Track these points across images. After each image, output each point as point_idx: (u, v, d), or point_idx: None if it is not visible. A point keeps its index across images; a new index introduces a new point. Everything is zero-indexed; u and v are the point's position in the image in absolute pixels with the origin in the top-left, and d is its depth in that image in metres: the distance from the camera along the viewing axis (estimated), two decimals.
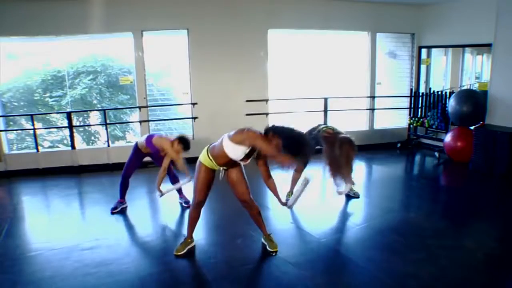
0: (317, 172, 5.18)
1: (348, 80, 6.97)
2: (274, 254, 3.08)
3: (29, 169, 5.51)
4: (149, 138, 3.92)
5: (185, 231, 3.23)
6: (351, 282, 2.72)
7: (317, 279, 2.74)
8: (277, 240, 3.21)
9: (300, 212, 4.02)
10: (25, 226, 3.84)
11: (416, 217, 3.90)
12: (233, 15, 5.94)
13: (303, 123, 5.74)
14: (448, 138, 5.89)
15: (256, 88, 6.19)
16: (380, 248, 3.22)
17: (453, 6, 6.25)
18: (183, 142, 3.91)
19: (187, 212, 3.87)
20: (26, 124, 6.52)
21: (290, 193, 4.26)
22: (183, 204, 4.18)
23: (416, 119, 6.78)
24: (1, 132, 5.50)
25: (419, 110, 6.86)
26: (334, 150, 3.67)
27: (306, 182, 2.80)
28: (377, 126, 7.10)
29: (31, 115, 5.65)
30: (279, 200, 3.09)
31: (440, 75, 7.44)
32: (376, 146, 6.95)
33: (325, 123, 6.23)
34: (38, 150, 5.58)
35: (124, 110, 7.29)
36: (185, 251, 3.09)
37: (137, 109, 5.92)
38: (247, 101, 6.10)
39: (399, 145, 6.97)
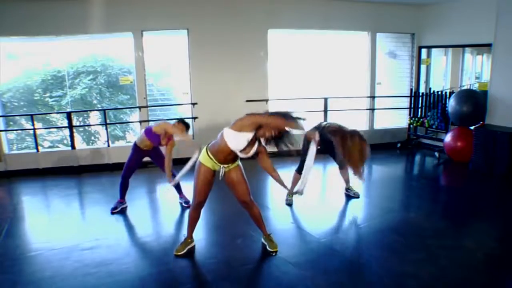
0: (317, 172, 5.18)
1: (348, 80, 6.97)
2: (274, 254, 3.08)
3: (29, 169, 5.51)
4: (148, 130, 3.90)
5: (185, 231, 3.23)
6: (351, 282, 2.72)
7: (317, 279, 2.74)
8: (277, 240, 3.21)
9: (300, 212, 4.03)
10: (25, 226, 3.84)
11: (416, 217, 3.90)
12: (233, 15, 5.94)
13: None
14: (448, 138, 5.89)
15: (256, 88, 6.19)
16: (380, 248, 3.22)
17: (453, 6, 6.25)
18: (183, 122, 3.96)
19: (187, 212, 3.87)
20: (26, 124, 6.52)
21: (290, 193, 4.25)
22: (183, 204, 4.18)
23: (416, 119, 6.79)
24: (1, 132, 5.50)
25: (419, 110, 6.87)
26: (346, 142, 3.67)
27: (310, 166, 2.91)
28: (377, 126, 7.10)
29: (31, 115, 5.65)
30: (286, 188, 3.12)
31: (440, 75, 7.44)
32: (376, 146, 6.92)
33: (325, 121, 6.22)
34: (38, 150, 5.58)
35: (124, 110, 7.29)
36: (185, 251, 3.09)
37: (137, 109, 5.92)
38: (247, 101, 6.10)
39: (399, 145, 6.97)
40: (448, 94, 6.34)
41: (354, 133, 3.67)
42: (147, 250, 3.29)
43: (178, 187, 4.24)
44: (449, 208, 4.27)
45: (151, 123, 5.51)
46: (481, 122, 5.69)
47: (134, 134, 7.21)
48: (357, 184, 4.52)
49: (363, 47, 6.81)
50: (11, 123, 6.46)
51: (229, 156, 2.89)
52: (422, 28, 6.85)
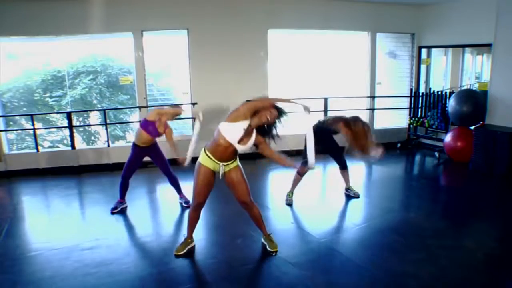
0: (317, 172, 5.18)
1: (348, 80, 6.97)
2: (274, 254, 3.08)
3: (29, 169, 5.51)
4: (143, 122, 3.91)
5: (185, 231, 3.23)
6: (351, 282, 2.72)
7: (317, 279, 2.75)
8: (277, 240, 3.21)
9: (300, 212, 4.03)
10: (25, 226, 3.85)
11: (416, 217, 3.90)
12: (233, 15, 5.94)
13: (303, 123, 5.75)
14: (448, 138, 5.89)
15: (256, 88, 6.18)
16: (380, 248, 3.22)
17: (453, 6, 6.25)
18: (177, 106, 4.01)
19: (187, 212, 3.87)
20: (26, 124, 6.52)
21: (291, 193, 4.26)
22: (183, 204, 4.18)
23: (416, 119, 6.78)
24: (1, 132, 5.50)
25: (419, 110, 6.86)
26: (350, 127, 3.72)
27: (307, 108, 2.99)
28: (377, 126, 7.10)
29: (31, 115, 5.65)
30: (296, 167, 3.14)
31: (440, 75, 7.44)
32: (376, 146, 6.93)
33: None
34: (38, 150, 5.58)
35: (124, 110, 7.30)
36: (185, 251, 3.09)
37: (137, 109, 5.92)
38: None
39: (399, 145, 6.97)
40: (448, 94, 6.34)
41: (356, 119, 3.75)
42: (147, 250, 3.29)
43: (178, 187, 4.24)
44: (449, 208, 4.27)
45: None
46: (481, 122, 5.69)
47: (134, 134, 7.21)
48: (357, 184, 4.53)
49: (363, 47, 6.81)
50: (11, 123, 6.45)
51: (227, 152, 2.87)
52: (422, 28, 6.85)
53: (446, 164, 6.02)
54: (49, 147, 7.02)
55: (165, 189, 4.56)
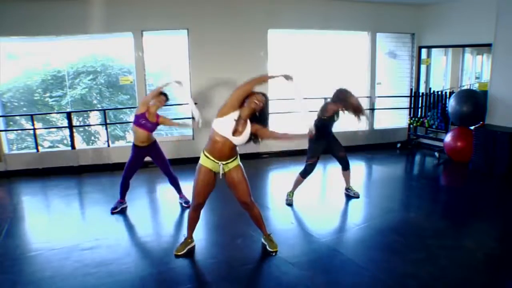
0: (317, 172, 5.17)
1: (348, 80, 6.96)
2: (274, 254, 3.08)
3: (29, 169, 5.51)
4: (134, 118, 3.92)
5: (185, 231, 3.23)
6: (351, 282, 2.72)
7: (317, 279, 2.75)
8: (277, 240, 3.21)
9: (301, 212, 4.03)
10: (25, 226, 3.84)
11: (416, 217, 3.90)
12: (233, 15, 5.94)
13: (303, 123, 5.75)
14: (448, 138, 5.89)
15: (256, 88, 6.18)
16: (380, 248, 3.22)
17: (453, 6, 6.25)
18: (163, 94, 3.98)
19: (187, 212, 3.87)
20: (26, 124, 6.53)
21: (291, 193, 4.26)
22: (183, 204, 4.18)
23: (416, 119, 6.79)
24: (1, 132, 5.50)
25: (419, 110, 6.86)
26: (337, 101, 3.85)
27: (289, 77, 3.01)
28: (377, 126, 7.10)
29: (31, 115, 5.64)
30: (302, 135, 3.10)
31: (440, 75, 7.44)
32: (376, 146, 6.95)
33: None
34: (38, 150, 5.58)
35: (124, 110, 7.29)
36: (185, 251, 3.09)
37: None
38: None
39: (399, 145, 6.97)
40: (448, 94, 6.34)
41: (337, 93, 3.88)
42: (147, 250, 3.29)
43: (178, 187, 4.24)
44: (449, 208, 4.27)
45: None
46: (481, 122, 5.69)
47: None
48: (357, 184, 4.53)
49: (363, 47, 6.81)
50: (11, 123, 6.46)
51: (225, 148, 2.86)
52: (422, 28, 6.85)
53: (446, 164, 6.02)
54: (49, 147, 7.02)
55: (165, 189, 4.57)
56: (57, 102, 6.86)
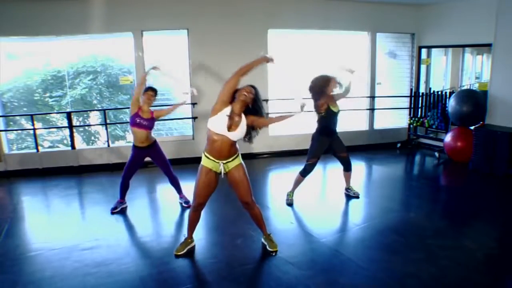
0: (317, 172, 5.17)
1: (348, 80, 6.95)
2: (274, 254, 3.08)
3: (29, 169, 5.51)
4: (130, 120, 3.93)
5: (185, 231, 3.23)
6: (351, 282, 2.72)
7: (317, 279, 2.75)
8: (277, 240, 3.21)
9: (301, 212, 4.03)
10: (25, 226, 3.84)
11: (416, 217, 3.90)
12: (233, 15, 5.94)
13: (303, 123, 5.76)
14: (448, 138, 5.89)
15: (256, 86, 6.18)
16: (380, 248, 3.22)
17: (453, 6, 6.25)
18: (151, 89, 3.98)
19: (187, 212, 3.88)
20: (26, 124, 6.52)
21: (291, 193, 4.26)
22: (183, 204, 4.18)
23: (416, 119, 6.79)
24: (1, 132, 5.50)
25: (419, 110, 6.86)
26: (323, 89, 3.93)
27: (270, 59, 3.05)
28: (377, 126, 7.10)
29: (31, 115, 5.65)
30: (291, 114, 3.10)
31: (440, 75, 7.44)
32: (376, 146, 6.95)
33: None
34: (38, 150, 5.58)
35: (124, 110, 7.28)
36: (185, 251, 3.09)
37: None
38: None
39: (399, 145, 6.97)
40: (448, 94, 6.34)
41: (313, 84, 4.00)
42: (147, 250, 3.29)
43: (178, 187, 4.24)
44: (449, 208, 4.27)
45: None
46: (481, 122, 5.69)
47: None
48: (357, 184, 4.52)
49: (363, 47, 6.81)
50: (11, 123, 6.46)
51: (223, 146, 2.85)
52: (422, 28, 6.85)
53: (446, 164, 6.02)
54: (49, 147, 7.02)
55: (165, 189, 4.57)
56: (57, 102, 6.86)
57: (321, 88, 3.93)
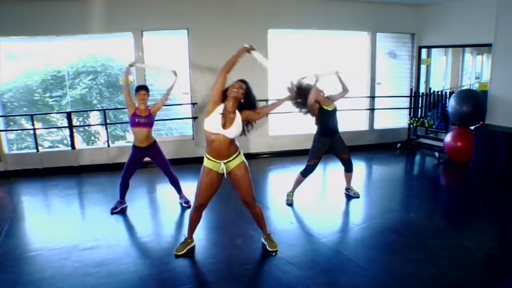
0: (317, 172, 5.18)
1: (348, 80, 6.95)
2: (274, 254, 3.08)
3: (29, 169, 5.51)
4: (130, 121, 3.94)
5: (185, 231, 3.23)
6: (351, 282, 2.72)
7: (318, 279, 2.75)
8: (277, 240, 3.21)
9: (301, 212, 4.03)
10: (25, 226, 3.84)
11: (416, 217, 3.90)
12: (233, 15, 5.94)
13: (303, 123, 5.75)
14: (448, 138, 5.89)
15: (256, 88, 6.10)
16: (380, 248, 3.22)
17: (453, 6, 6.25)
18: (140, 88, 4.00)
19: (187, 212, 3.88)
20: (26, 124, 6.53)
21: (291, 193, 4.26)
22: (183, 204, 4.18)
23: (416, 119, 6.79)
24: (1, 132, 5.49)
25: (419, 110, 6.86)
26: (306, 94, 3.87)
27: (251, 49, 3.08)
28: (377, 126, 7.10)
29: (31, 115, 5.64)
30: (289, 97, 3.17)
31: (440, 75, 7.44)
32: (376, 146, 6.95)
33: None
34: (38, 150, 5.58)
35: (124, 110, 7.26)
36: (185, 251, 3.09)
37: None
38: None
39: (399, 145, 6.97)
40: (448, 94, 6.34)
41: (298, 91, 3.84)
42: (147, 250, 3.29)
43: (178, 187, 4.24)
44: (449, 208, 4.27)
45: None
46: (481, 122, 5.69)
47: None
48: (357, 184, 4.52)
49: (363, 47, 6.81)
50: (11, 123, 6.46)
51: (222, 146, 2.84)
52: (422, 28, 6.85)
53: (446, 164, 6.02)
54: (49, 147, 7.02)
55: (165, 189, 4.57)
56: (57, 102, 6.86)
57: (305, 92, 3.88)
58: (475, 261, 2.98)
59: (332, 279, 2.75)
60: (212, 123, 2.81)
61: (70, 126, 5.70)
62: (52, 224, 3.93)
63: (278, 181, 5.36)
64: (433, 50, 7.03)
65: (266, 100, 6.22)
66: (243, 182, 2.97)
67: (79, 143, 6.76)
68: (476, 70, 7.85)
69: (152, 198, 4.73)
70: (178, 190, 4.25)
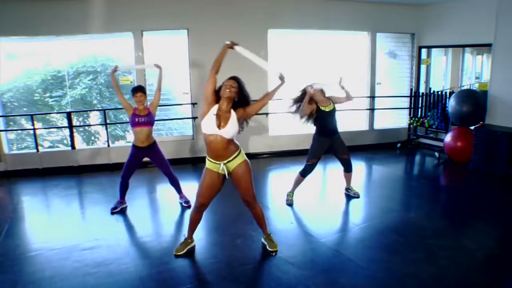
0: (317, 172, 5.18)
1: (348, 80, 6.94)
2: (274, 254, 3.08)
3: (29, 169, 5.51)
4: (130, 122, 3.97)
5: (185, 231, 3.23)
6: (351, 282, 2.72)
7: (317, 279, 2.75)
8: (277, 240, 3.21)
9: (300, 212, 4.03)
10: (25, 226, 3.84)
11: (416, 217, 3.90)
12: (233, 15, 5.93)
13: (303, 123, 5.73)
14: (448, 138, 5.89)
15: (256, 88, 6.12)
16: (380, 248, 3.22)
17: (453, 6, 6.25)
18: (135, 90, 4.03)
19: (187, 212, 3.89)
20: (26, 124, 6.53)
21: (291, 193, 4.26)
22: (183, 204, 4.18)
23: (416, 119, 6.79)
24: (1, 132, 5.50)
25: (419, 110, 6.86)
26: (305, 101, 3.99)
27: (233, 45, 3.08)
28: (377, 126, 7.10)
29: (31, 115, 5.65)
30: (275, 88, 3.08)
31: (440, 75, 7.44)
32: (376, 146, 6.95)
33: None
34: (38, 150, 5.58)
35: (124, 110, 7.28)
36: (184, 251, 3.09)
37: None
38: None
39: (399, 145, 6.97)
40: (448, 94, 6.34)
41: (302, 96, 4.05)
42: (147, 250, 3.29)
43: (178, 187, 4.24)
44: (449, 208, 4.27)
45: None
46: (481, 122, 5.69)
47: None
48: (357, 184, 4.52)
49: (363, 47, 6.81)
50: (11, 123, 6.46)
51: (220, 146, 2.83)
52: (422, 28, 6.85)
53: (446, 164, 6.02)
54: (49, 147, 7.02)
55: (165, 189, 4.57)
56: (57, 102, 6.86)
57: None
58: (475, 261, 2.98)
59: (332, 279, 2.75)
60: (208, 124, 2.82)
61: (70, 126, 5.70)
62: (52, 224, 3.93)
63: (278, 181, 5.37)
64: (433, 50, 7.03)
65: None
66: (243, 180, 2.96)
67: (79, 143, 6.76)
68: (476, 70, 7.85)
69: (152, 198, 4.72)
70: (178, 190, 4.25)
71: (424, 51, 6.96)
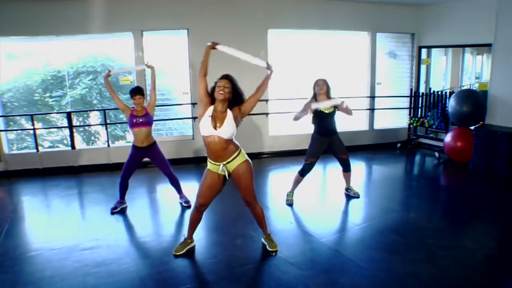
0: (317, 172, 5.17)
1: (348, 80, 6.96)
2: (274, 254, 3.08)
3: (29, 169, 5.51)
4: (129, 123, 3.96)
5: (185, 231, 3.24)
6: (351, 282, 2.72)
7: (317, 279, 2.75)
8: (277, 240, 3.21)
9: (300, 212, 4.03)
10: (25, 226, 3.84)
11: (416, 217, 3.90)
12: (233, 15, 5.94)
13: (303, 123, 5.74)
14: (448, 138, 5.89)
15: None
16: (380, 248, 3.22)
17: (453, 6, 6.25)
18: (133, 92, 4.01)
19: (187, 212, 3.89)
20: (26, 124, 6.52)
21: (291, 193, 4.26)
22: (183, 204, 4.18)
23: (416, 119, 6.79)
24: (1, 132, 5.50)
25: (419, 110, 6.87)
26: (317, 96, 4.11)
27: (215, 45, 3.10)
28: (377, 126, 7.10)
29: (31, 115, 5.65)
30: (266, 79, 3.11)
31: (440, 75, 7.44)
32: (376, 146, 6.95)
33: None
34: (38, 150, 5.58)
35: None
36: (184, 251, 3.09)
37: None
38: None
39: (399, 145, 6.97)
40: (448, 94, 6.34)
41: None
42: (147, 250, 3.29)
43: (178, 187, 4.24)
44: (449, 208, 4.27)
45: None
46: (481, 122, 5.69)
47: None
48: (357, 184, 4.52)
49: (363, 47, 6.81)
50: (11, 123, 6.46)
51: (218, 147, 2.83)
52: (422, 28, 6.85)
53: (446, 164, 6.02)
54: (49, 147, 7.02)
55: (165, 189, 4.57)
56: (57, 102, 6.86)
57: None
58: (475, 261, 2.98)
59: (332, 279, 2.75)
60: (204, 126, 2.82)
61: (70, 126, 5.70)
62: (52, 224, 3.93)
63: (278, 181, 5.37)
64: (433, 50, 7.03)
65: (266, 101, 6.23)
66: (244, 180, 2.96)
67: (79, 143, 6.76)
68: (476, 70, 7.84)
69: (152, 198, 4.73)
70: (178, 190, 4.25)
71: (424, 51, 6.96)
